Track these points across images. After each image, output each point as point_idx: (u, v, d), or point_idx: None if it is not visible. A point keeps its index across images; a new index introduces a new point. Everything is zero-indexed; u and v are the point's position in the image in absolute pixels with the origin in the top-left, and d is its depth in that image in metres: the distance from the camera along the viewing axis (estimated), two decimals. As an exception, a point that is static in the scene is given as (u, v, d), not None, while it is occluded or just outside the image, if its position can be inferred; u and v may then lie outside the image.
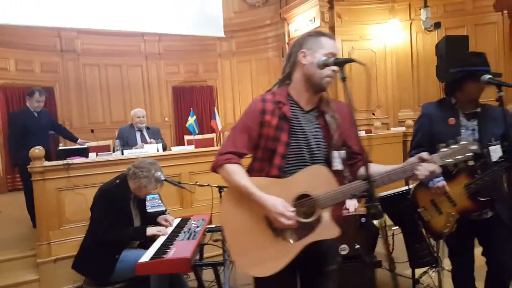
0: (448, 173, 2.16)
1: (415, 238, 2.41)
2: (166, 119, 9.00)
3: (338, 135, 1.61)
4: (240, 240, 1.55)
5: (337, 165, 1.59)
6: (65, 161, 3.47)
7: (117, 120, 8.40)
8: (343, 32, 7.74)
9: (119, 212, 2.71)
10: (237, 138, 1.61)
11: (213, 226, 2.95)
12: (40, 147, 3.43)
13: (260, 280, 1.55)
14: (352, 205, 3.07)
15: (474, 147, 1.48)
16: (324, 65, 1.51)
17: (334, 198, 1.49)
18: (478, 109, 2.20)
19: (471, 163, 1.47)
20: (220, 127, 4.64)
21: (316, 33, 1.64)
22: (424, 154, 1.49)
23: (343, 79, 1.41)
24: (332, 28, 7.68)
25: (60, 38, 7.97)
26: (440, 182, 2.15)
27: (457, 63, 2.26)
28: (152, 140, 4.65)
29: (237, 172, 1.56)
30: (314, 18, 7.74)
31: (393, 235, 3.13)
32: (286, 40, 8.51)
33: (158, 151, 4.29)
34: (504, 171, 2.07)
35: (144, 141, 4.73)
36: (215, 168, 1.61)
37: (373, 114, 6.57)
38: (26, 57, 7.45)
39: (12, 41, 7.21)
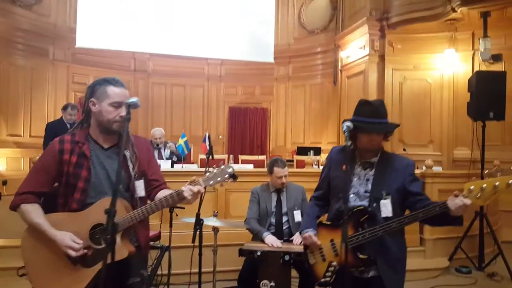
0: (338, 220, 2.11)
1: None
2: (220, 136, 9.59)
3: (136, 167, 1.81)
4: (42, 273, 1.70)
5: (140, 192, 1.81)
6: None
7: (176, 134, 9.22)
8: (395, 61, 7.43)
9: None
10: (34, 178, 1.77)
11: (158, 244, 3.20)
12: None
13: None
14: (297, 239, 3.06)
15: (230, 169, 1.75)
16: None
17: (121, 224, 1.68)
18: (375, 159, 2.09)
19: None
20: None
21: (104, 82, 1.80)
22: (194, 177, 1.74)
23: (127, 119, 1.70)
24: (382, 57, 7.44)
25: (135, 60, 9.17)
26: (308, 232, 2.12)
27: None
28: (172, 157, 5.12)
29: (31, 211, 1.71)
30: (364, 45, 7.59)
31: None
32: (339, 67, 8.46)
33: (172, 166, 4.77)
34: (387, 231, 1.92)
35: (160, 157, 5.21)
36: (14, 208, 1.74)
37: (404, 150, 6.14)
38: (104, 75, 8.59)
39: (93, 60, 8.56)
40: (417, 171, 5.67)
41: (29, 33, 7.62)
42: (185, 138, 4.91)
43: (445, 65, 7.21)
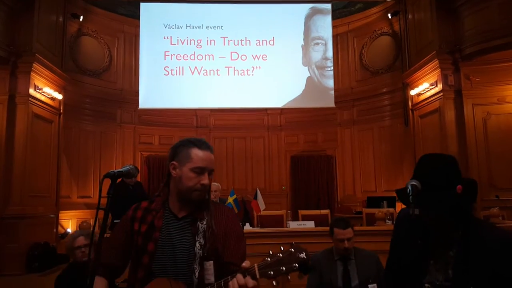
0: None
1: None
2: (283, 187, 9.14)
3: (210, 244, 1.47)
4: None
5: (208, 277, 1.42)
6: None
7: (238, 187, 8.98)
8: (474, 95, 6.62)
9: None
10: (105, 249, 1.59)
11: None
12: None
13: None
14: None
15: (302, 255, 1.20)
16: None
17: None
18: (457, 234, 1.48)
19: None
20: (262, 208, 4.29)
21: (188, 143, 1.55)
22: (247, 262, 1.27)
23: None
24: (458, 92, 6.67)
25: (196, 116, 9.30)
26: None
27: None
28: None
29: (95, 284, 1.52)
30: (436, 81, 6.89)
31: None
32: (409, 106, 7.76)
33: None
34: None
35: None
36: None
37: (497, 197, 5.17)
38: (168, 133, 8.93)
39: (157, 120, 8.82)
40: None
41: (98, 99, 8.10)
42: (234, 196, 4.53)
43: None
